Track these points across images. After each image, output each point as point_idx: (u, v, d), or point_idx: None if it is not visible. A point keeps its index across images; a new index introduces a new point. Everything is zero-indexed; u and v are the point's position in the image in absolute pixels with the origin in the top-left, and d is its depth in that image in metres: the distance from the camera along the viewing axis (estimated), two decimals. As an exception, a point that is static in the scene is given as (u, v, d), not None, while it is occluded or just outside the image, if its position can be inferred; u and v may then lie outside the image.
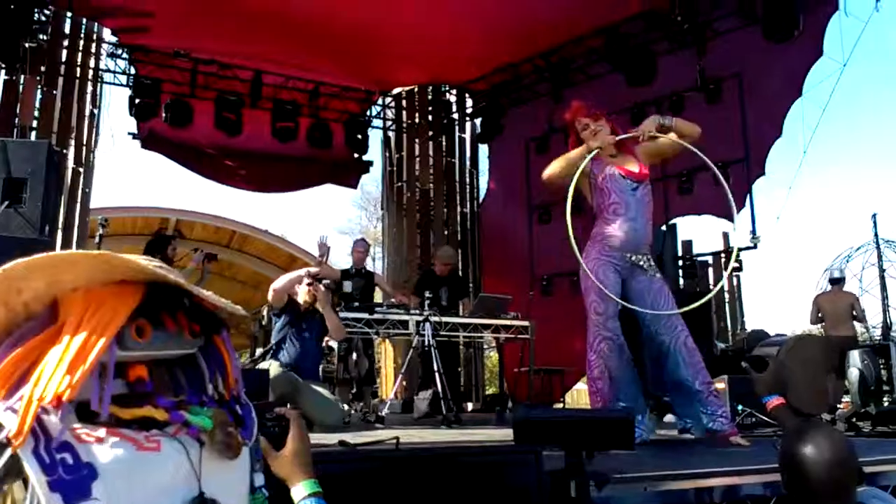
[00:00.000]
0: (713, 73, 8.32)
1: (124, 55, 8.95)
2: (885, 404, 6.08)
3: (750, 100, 8.20)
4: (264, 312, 6.21)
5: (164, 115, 8.85)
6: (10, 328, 1.07)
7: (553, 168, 4.24)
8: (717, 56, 8.37)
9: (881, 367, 5.81)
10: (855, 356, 5.56)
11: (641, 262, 4.17)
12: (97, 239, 5.30)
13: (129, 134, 8.93)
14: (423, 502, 2.01)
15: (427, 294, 5.44)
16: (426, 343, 5.19)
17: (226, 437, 1.08)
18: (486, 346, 10.41)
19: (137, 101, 8.76)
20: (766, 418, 5.41)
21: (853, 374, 5.43)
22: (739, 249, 7.77)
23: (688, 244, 9.01)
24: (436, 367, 5.10)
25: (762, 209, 8.14)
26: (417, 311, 5.55)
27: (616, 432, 2.27)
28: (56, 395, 0.97)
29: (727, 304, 9.21)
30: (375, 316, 5.55)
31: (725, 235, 8.97)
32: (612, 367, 4.05)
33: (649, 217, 4.25)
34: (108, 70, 8.88)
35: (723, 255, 8.88)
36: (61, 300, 1.06)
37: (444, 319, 5.67)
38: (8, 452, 0.95)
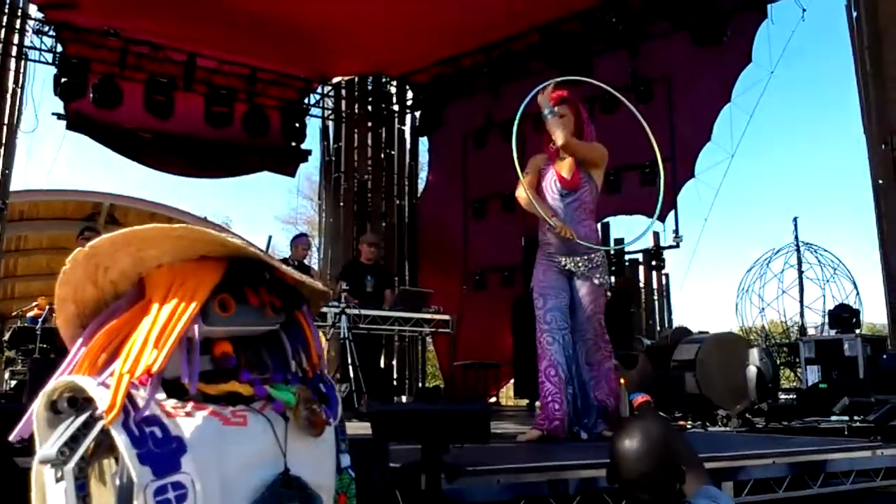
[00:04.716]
0: (646, 75, 8.45)
1: (51, 32, 8.63)
2: (781, 400, 6.31)
3: (680, 103, 8.33)
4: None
5: (91, 95, 8.58)
6: (100, 306, 1.09)
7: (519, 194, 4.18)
8: (650, 58, 8.50)
9: (779, 364, 5.98)
10: (754, 353, 5.74)
11: (577, 267, 4.09)
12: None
13: (54, 114, 8.62)
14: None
15: (344, 286, 5.40)
16: (342, 335, 5.16)
17: (310, 414, 1.06)
18: (428, 340, 10.41)
19: (63, 80, 8.45)
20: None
21: (751, 370, 5.60)
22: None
23: (619, 242, 9.11)
24: (349, 361, 5.07)
25: (692, 211, 8.41)
26: (335, 303, 5.51)
27: (471, 426, 2.29)
28: (145, 368, 0.98)
29: (655, 302, 9.38)
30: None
31: (656, 235, 9.13)
32: (559, 360, 3.98)
33: (584, 219, 4.14)
34: (32, 47, 8.54)
35: (652, 253, 9.04)
36: (147, 277, 1.07)
37: (363, 312, 5.64)
38: (98, 427, 0.95)
